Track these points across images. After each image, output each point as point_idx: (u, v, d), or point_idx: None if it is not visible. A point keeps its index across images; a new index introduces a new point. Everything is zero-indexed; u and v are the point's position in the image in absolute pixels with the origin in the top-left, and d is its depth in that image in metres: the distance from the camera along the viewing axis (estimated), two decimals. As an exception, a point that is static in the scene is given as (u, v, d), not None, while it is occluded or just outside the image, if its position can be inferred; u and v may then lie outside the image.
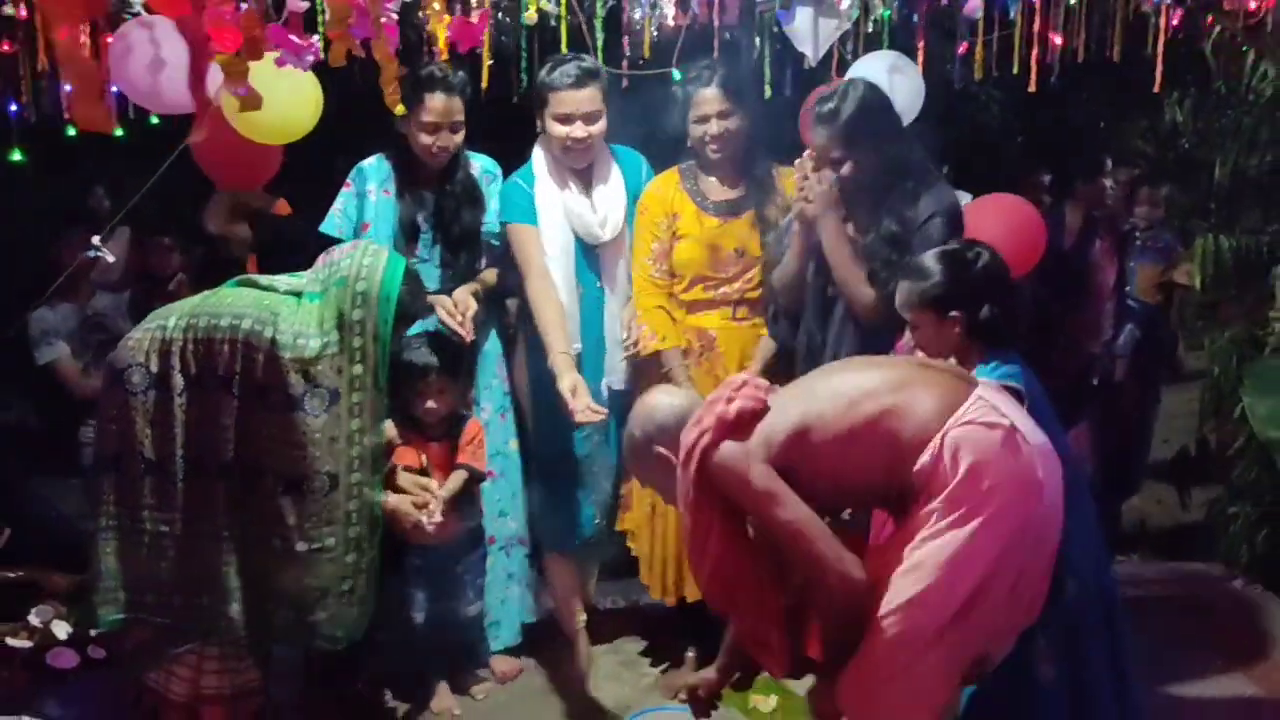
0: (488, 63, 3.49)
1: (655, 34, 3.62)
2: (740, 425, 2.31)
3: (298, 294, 2.73)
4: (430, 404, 3.17)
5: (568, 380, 3.04)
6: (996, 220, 3.79)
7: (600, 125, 3.27)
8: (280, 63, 2.04)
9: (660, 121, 3.40)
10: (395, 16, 2.04)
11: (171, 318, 2.71)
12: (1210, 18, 4.01)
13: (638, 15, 3.64)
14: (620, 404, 3.36)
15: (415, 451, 3.16)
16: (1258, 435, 3.69)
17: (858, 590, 2.29)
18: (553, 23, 3.54)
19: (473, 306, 3.22)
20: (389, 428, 3.14)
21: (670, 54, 3.56)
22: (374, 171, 3.33)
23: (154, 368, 2.67)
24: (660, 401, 2.53)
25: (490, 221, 3.41)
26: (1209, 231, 4.14)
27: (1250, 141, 4.01)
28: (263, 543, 2.64)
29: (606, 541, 3.53)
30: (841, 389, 2.35)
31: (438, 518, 3.00)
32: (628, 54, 3.70)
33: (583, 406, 2.98)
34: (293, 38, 1.95)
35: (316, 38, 2.02)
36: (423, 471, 3.16)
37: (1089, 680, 2.50)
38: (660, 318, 3.20)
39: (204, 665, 2.75)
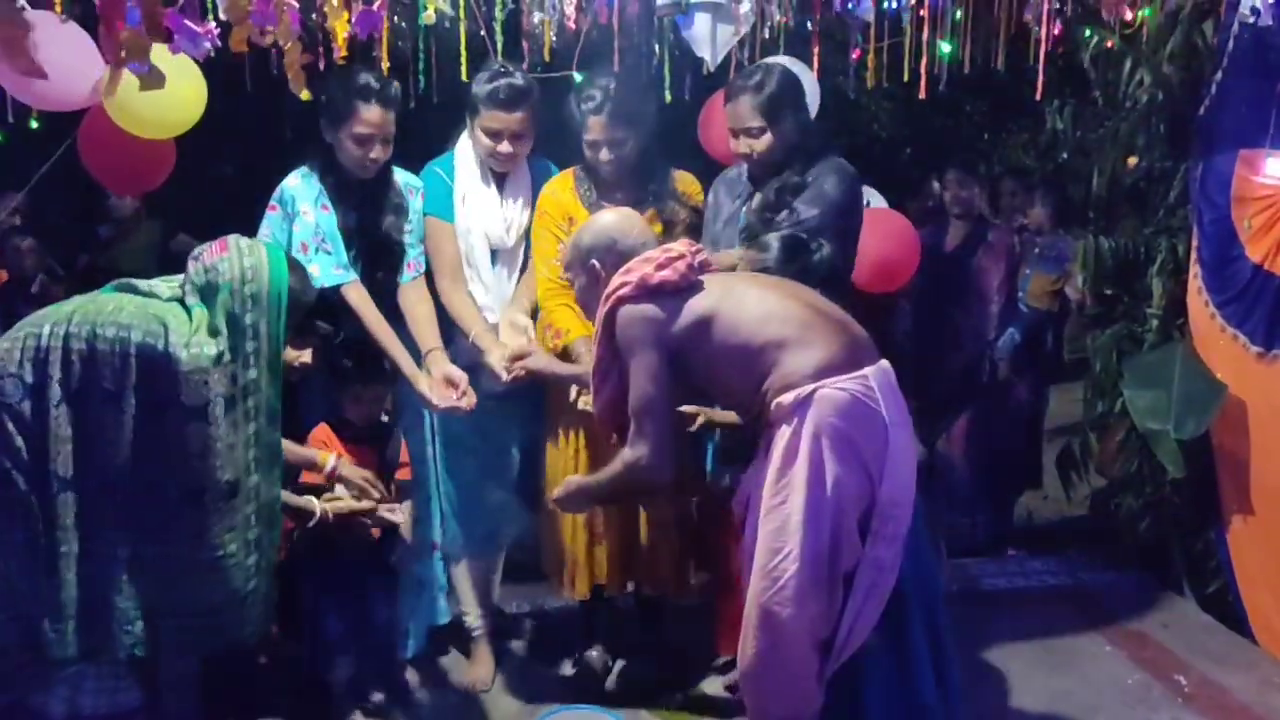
0: (385, 65, 3.48)
1: (554, 38, 3.64)
2: (659, 293, 2.51)
3: (180, 300, 2.64)
4: (365, 408, 3.17)
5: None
6: (872, 234, 3.89)
7: (526, 145, 3.31)
8: (174, 49, 1.97)
9: (562, 123, 3.40)
10: (296, 4, 2.00)
11: (46, 325, 2.56)
12: (1087, 30, 4.19)
13: (537, 19, 3.66)
14: (508, 400, 3.35)
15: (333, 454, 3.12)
16: (1138, 427, 3.83)
17: (638, 480, 2.61)
18: (446, 24, 3.54)
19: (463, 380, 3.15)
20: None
21: (570, 56, 3.58)
22: (303, 191, 3.20)
23: (29, 378, 2.52)
24: (611, 223, 2.73)
25: (414, 232, 3.34)
26: (1090, 234, 4.29)
27: (1127, 147, 4.16)
28: (163, 556, 2.56)
29: (511, 539, 3.56)
30: (761, 303, 2.53)
31: (406, 534, 3.16)
32: (527, 57, 3.72)
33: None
34: (188, 22, 1.88)
35: (214, 24, 1.95)
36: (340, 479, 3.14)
37: (910, 646, 2.64)
38: (566, 314, 3.20)
39: (83, 684, 2.65)
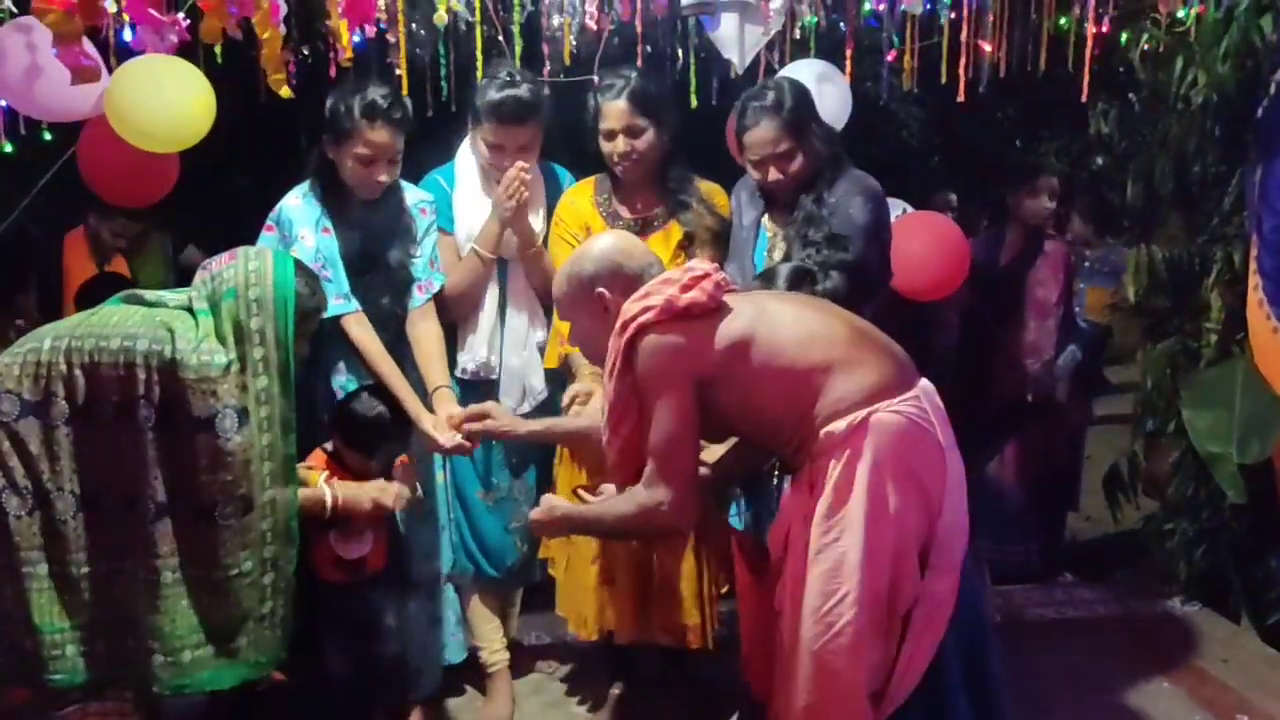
0: (403, 70, 3.31)
1: (575, 42, 3.47)
2: (686, 317, 2.25)
3: (188, 309, 2.52)
4: (367, 464, 2.93)
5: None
6: (920, 239, 3.70)
7: (533, 156, 3.10)
8: (137, 44, 1.78)
9: (582, 129, 3.22)
10: None
11: (46, 339, 2.46)
12: (1124, 31, 4.00)
13: (556, 21, 3.49)
14: None
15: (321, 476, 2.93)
16: (1198, 450, 3.62)
17: (654, 527, 2.36)
18: (463, 27, 3.37)
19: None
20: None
21: (592, 61, 3.41)
22: (303, 213, 2.98)
23: (29, 394, 2.41)
24: (614, 244, 2.46)
25: (423, 252, 3.12)
26: (1139, 243, 4.09)
27: (1178, 151, 3.95)
28: (178, 574, 2.44)
29: (529, 569, 3.37)
30: (799, 322, 2.31)
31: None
32: (548, 61, 3.55)
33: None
34: (152, 11, 1.66)
35: (182, 14, 1.75)
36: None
37: (945, 686, 2.39)
38: None
39: None
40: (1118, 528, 4.56)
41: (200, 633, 2.45)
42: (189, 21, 1.70)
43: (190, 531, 2.42)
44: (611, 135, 3.00)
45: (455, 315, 3.21)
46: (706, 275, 2.29)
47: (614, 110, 2.98)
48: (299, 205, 2.98)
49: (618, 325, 2.29)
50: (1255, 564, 3.81)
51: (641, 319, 2.25)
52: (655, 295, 2.26)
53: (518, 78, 3.05)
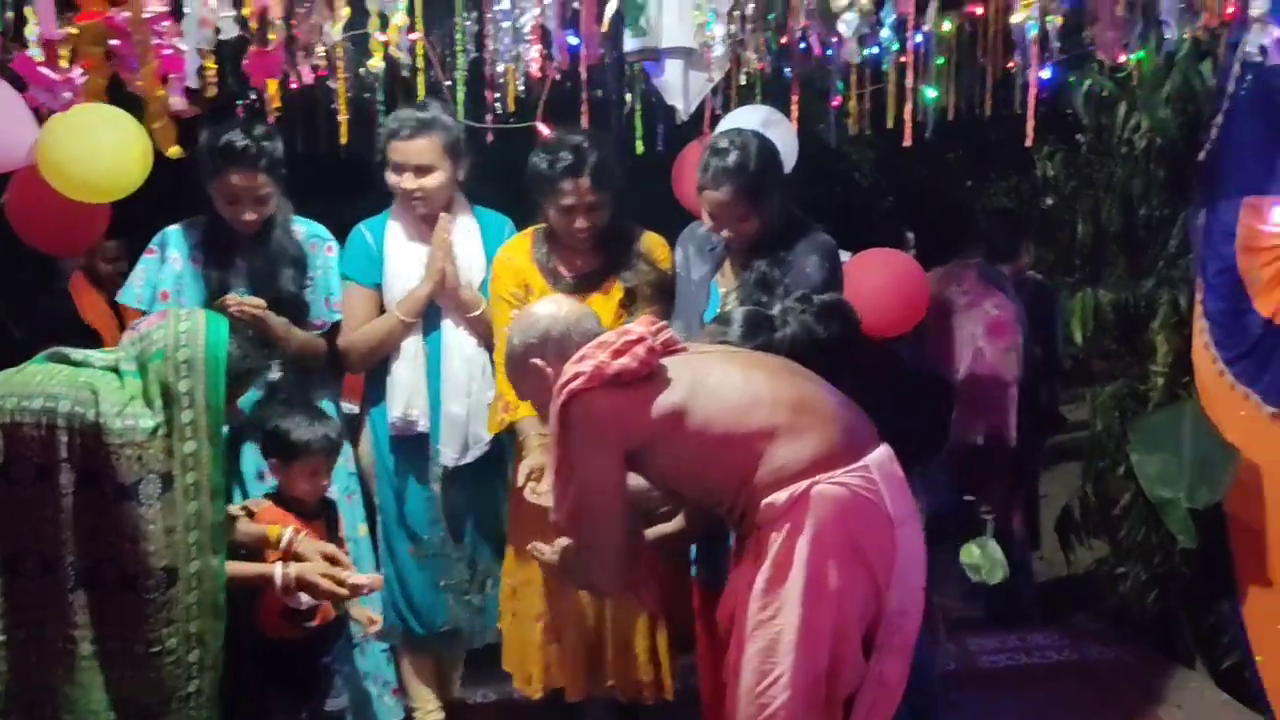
0: (344, 117, 3.26)
1: (521, 89, 3.43)
2: (617, 383, 2.17)
3: (115, 369, 2.44)
4: (315, 483, 2.86)
5: None
6: (877, 276, 3.67)
7: (435, 178, 3.06)
8: (31, 101, 1.71)
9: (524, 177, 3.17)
10: (184, 47, 1.73)
11: None
12: (1071, 76, 4.03)
13: (500, 68, 3.46)
14: (457, 480, 3.15)
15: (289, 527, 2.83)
16: (1148, 494, 3.60)
17: (584, 586, 2.54)
18: (405, 73, 3.33)
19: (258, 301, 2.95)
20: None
21: (535, 107, 3.38)
22: (180, 238, 3.05)
23: None
24: (543, 311, 2.39)
25: (317, 287, 3.13)
26: (1081, 285, 4.10)
27: (1123, 194, 3.97)
28: (97, 646, 2.35)
29: (465, 632, 3.26)
30: (745, 384, 2.23)
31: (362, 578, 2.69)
32: (496, 109, 3.52)
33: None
34: (44, 71, 1.59)
35: (79, 71, 1.68)
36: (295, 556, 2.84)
37: None
38: None
39: None
40: (1071, 570, 4.54)
41: (117, 711, 2.35)
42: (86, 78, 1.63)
43: (111, 602, 2.33)
44: (571, 211, 2.90)
45: (368, 367, 3.19)
46: (640, 340, 2.21)
47: (575, 188, 2.87)
48: (179, 230, 3.07)
49: (555, 387, 2.22)
50: (1207, 609, 3.78)
51: (571, 385, 2.18)
52: (588, 360, 2.19)
53: (428, 103, 3.08)
